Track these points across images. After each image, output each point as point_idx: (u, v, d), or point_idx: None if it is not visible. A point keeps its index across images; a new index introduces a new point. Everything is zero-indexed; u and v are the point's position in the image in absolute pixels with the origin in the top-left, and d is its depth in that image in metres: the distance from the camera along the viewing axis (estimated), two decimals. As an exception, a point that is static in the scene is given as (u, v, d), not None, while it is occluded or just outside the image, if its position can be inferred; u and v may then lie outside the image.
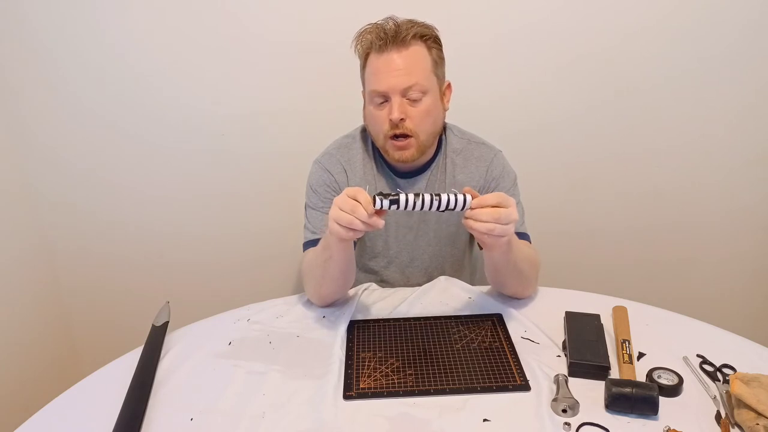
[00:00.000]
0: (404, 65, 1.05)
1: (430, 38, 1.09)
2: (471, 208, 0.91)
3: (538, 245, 1.16)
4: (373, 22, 1.08)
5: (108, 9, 1.45)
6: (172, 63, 1.52)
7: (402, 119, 1.06)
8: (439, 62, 1.11)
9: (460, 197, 0.91)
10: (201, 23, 1.47)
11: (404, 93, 1.06)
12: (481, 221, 0.90)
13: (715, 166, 1.64)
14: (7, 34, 1.47)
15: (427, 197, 0.91)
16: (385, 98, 1.07)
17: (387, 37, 1.05)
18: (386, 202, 0.90)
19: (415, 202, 0.91)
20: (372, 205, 0.89)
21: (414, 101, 1.07)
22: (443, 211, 0.92)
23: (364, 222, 0.89)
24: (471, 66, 1.51)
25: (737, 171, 1.64)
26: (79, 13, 1.46)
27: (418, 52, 1.07)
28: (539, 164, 1.63)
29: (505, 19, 1.49)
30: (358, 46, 1.11)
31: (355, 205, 0.89)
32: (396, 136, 1.08)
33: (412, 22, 1.07)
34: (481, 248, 1.06)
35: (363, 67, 1.12)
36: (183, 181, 1.65)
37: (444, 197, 0.91)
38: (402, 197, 0.90)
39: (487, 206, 0.90)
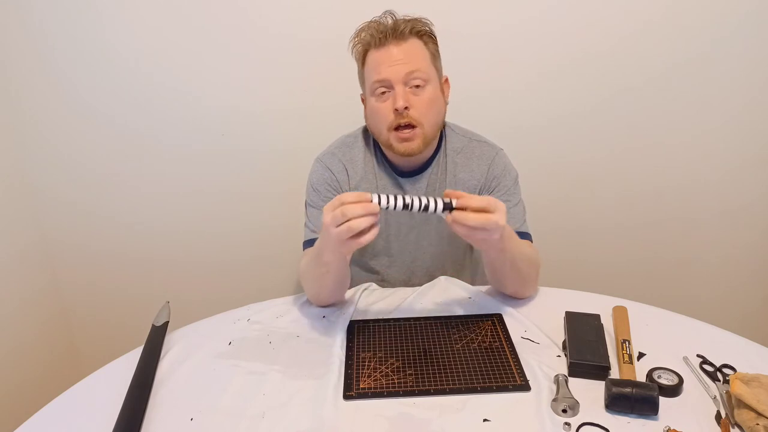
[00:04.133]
0: (404, 55, 1.07)
1: (425, 34, 1.10)
2: (456, 208, 0.88)
3: (538, 244, 1.16)
4: (368, 20, 1.10)
5: (108, 7, 1.45)
6: (172, 62, 1.52)
7: (406, 108, 1.06)
8: (436, 55, 1.13)
9: (440, 202, 0.89)
10: (201, 22, 1.47)
11: (406, 80, 1.07)
12: (467, 225, 0.87)
13: (715, 165, 1.64)
14: (7, 33, 1.47)
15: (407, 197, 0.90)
16: (388, 87, 1.08)
17: (387, 30, 1.07)
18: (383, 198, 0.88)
19: (396, 199, 0.88)
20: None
21: (417, 88, 1.08)
22: (420, 210, 0.89)
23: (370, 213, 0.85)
24: (471, 64, 1.51)
25: (737, 170, 1.64)
26: (79, 12, 1.46)
27: (415, 44, 1.09)
28: (539, 163, 1.63)
29: (505, 17, 1.49)
30: (357, 46, 1.11)
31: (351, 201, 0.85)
32: (400, 128, 1.08)
33: (408, 18, 1.09)
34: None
35: (362, 65, 1.13)
36: (183, 181, 1.65)
37: (424, 200, 0.89)
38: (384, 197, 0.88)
39: (472, 208, 0.87)
